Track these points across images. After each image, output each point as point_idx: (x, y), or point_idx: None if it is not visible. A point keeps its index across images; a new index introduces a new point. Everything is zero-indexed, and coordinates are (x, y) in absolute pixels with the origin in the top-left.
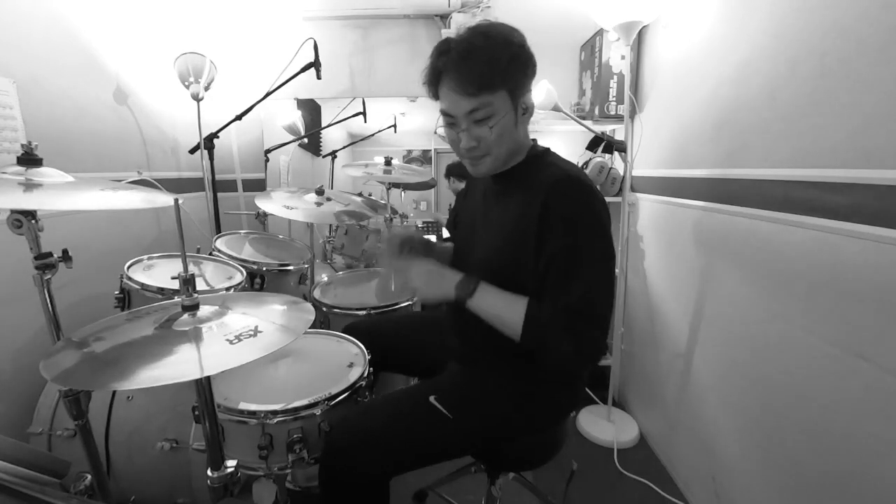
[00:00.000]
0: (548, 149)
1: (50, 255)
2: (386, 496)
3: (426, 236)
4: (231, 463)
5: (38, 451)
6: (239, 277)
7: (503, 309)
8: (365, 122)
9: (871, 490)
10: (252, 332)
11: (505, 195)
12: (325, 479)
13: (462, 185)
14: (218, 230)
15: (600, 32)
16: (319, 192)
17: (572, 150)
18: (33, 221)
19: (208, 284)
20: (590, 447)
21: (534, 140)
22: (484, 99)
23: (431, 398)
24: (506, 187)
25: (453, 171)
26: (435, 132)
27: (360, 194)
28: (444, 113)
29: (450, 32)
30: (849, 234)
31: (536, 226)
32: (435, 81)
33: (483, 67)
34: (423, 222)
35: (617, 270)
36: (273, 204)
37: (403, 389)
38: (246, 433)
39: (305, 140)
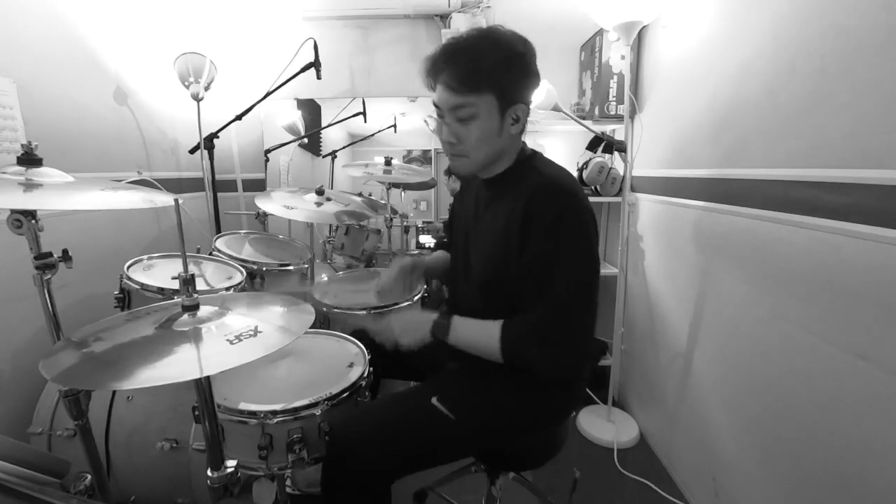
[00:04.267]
0: (535, 152)
1: (50, 255)
2: (388, 499)
3: (417, 253)
4: (231, 463)
5: (38, 451)
6: (239, 277)
7: (478, 338)
8: (365, 122)
9: (871, 489)
10: (252, 332)
11: (495, 201)
12: (327, 481)
13: (457, 185)
14: (218, 230)
15: (600, 32)
16: (319, 192)
17: (572, 150)
18: (33, 221)
19: (208, 284)
20: (590, 447)
21: (523, 143)
22: (468, 98)
23: (433, 399)
24: (495, 193)
25: (452, 171)
26: (425, 120)
27: (360, 194)
28: (434, 104)
29: (450, 32)
30: (849, 234)
31: (519, 232)
32: (433, 73)
33: (471, 66)
34: (423, 222)
35: (616, 270)
36: (273, 204)
37: (405, 391)
38: (246, 433)
39: (305, 140)
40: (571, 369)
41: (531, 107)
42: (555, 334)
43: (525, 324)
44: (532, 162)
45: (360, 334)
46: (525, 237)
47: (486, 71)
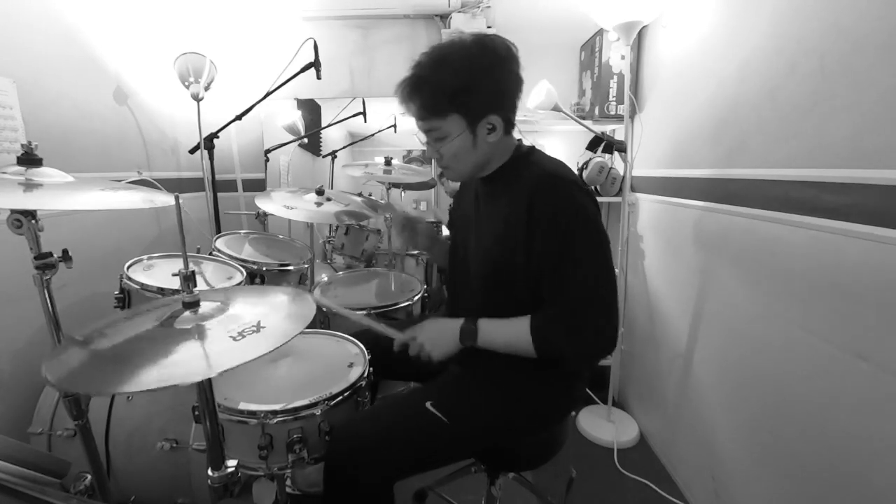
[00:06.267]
0: (532, 147)
1: (50, 255)
2: (391, 500)
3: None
4: (231, 463)
5: (38, 451)
6: (239, 277)
7: (508, 336)
8: (365, 122)
9: (871, 489)
10: (255, 328)
11: (494, 198)
12: (329, 487)
13: (456, 185)
14: (218, 230)
15: (600, 32)
16: (319, 192)
17: (572, 150)
18: (33, 221)
19: (208, 284)
20: (590, 447)
21: (519, 140)
22: (433, 123)
23: (427, 404)
24: (494, 190)
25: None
26: (416, 135)
27: (360, 194)
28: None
29: (450, 32)
30: (849, 234)
31: (524, 227)
32: (405, 107)
33: (431, 95)
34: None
35: (617, 270)
36: (273, 204)
37: (403, 395)
38: (246, 433)
39: (305, 140)
40: (603, 352)
41: (530, 106)
42: (584, 319)
43: (554, 313)
44: (530, 157)
45: (361, 334)
46: (532, 233)
47: (447, 97)
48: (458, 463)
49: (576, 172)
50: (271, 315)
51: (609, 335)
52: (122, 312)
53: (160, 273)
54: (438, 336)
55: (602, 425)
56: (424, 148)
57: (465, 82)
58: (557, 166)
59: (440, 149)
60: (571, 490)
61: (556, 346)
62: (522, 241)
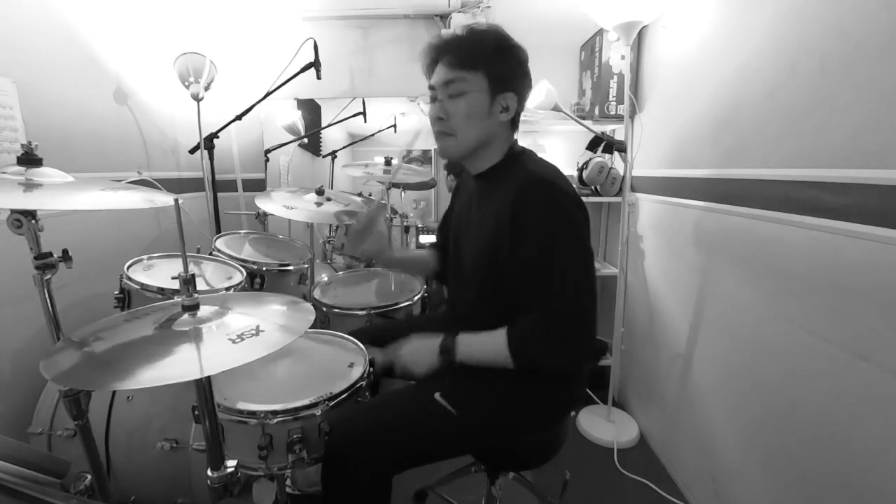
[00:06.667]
0: (525, 149)
1: (50, 255)
2: (388, 493)
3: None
4: (231, 463)
5: (38, 451)
6: (239, 277)
7: (486, 350)
8: (365, 122)
9: (871, 490)
10: (254, 332)
11: (485, 197)
12: (328, 475)
13: (452, 181)
14: (218, 230)
15: (600, 32)
16: (319, 192)
17: (572, 150)
18: (33, 221)
19: (208, 284)
20: (590, 447)
21: (514, 140)
22: (461, 73)
23: (437, 395)
24: (486, 188)
25: (449, 167)
26: (419, 104)
27: (360, 194)
28: (429, 87)
29: (450, 33)
30: (849, 234)
31: (509, 230)
32: (436, 55)
33: (467, 46)
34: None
35: (616, 270)
36: (273, 204)
37: (406, 387)
38: (246, 433)
39: (305, 140)
40: (580, 362)
41: (530, 106)
42: (562, 331)
43: (531, 324)
44: (521, 159)
45: (362, 334)
46: (516, 237)
47: (482, 52)
48: (458, 463)
49: (576, 173)
50: (270, 319)
51: (585, 347)
52: (120, 315)
53: (160, 273)
54: (417, 353)
55: (602, 425)
56: (427, 111)
57: (502, 49)
58: (545, 168)
59: (450, 106)
60: (567, 491)
61: (532, 360)
62: (507, 243)
